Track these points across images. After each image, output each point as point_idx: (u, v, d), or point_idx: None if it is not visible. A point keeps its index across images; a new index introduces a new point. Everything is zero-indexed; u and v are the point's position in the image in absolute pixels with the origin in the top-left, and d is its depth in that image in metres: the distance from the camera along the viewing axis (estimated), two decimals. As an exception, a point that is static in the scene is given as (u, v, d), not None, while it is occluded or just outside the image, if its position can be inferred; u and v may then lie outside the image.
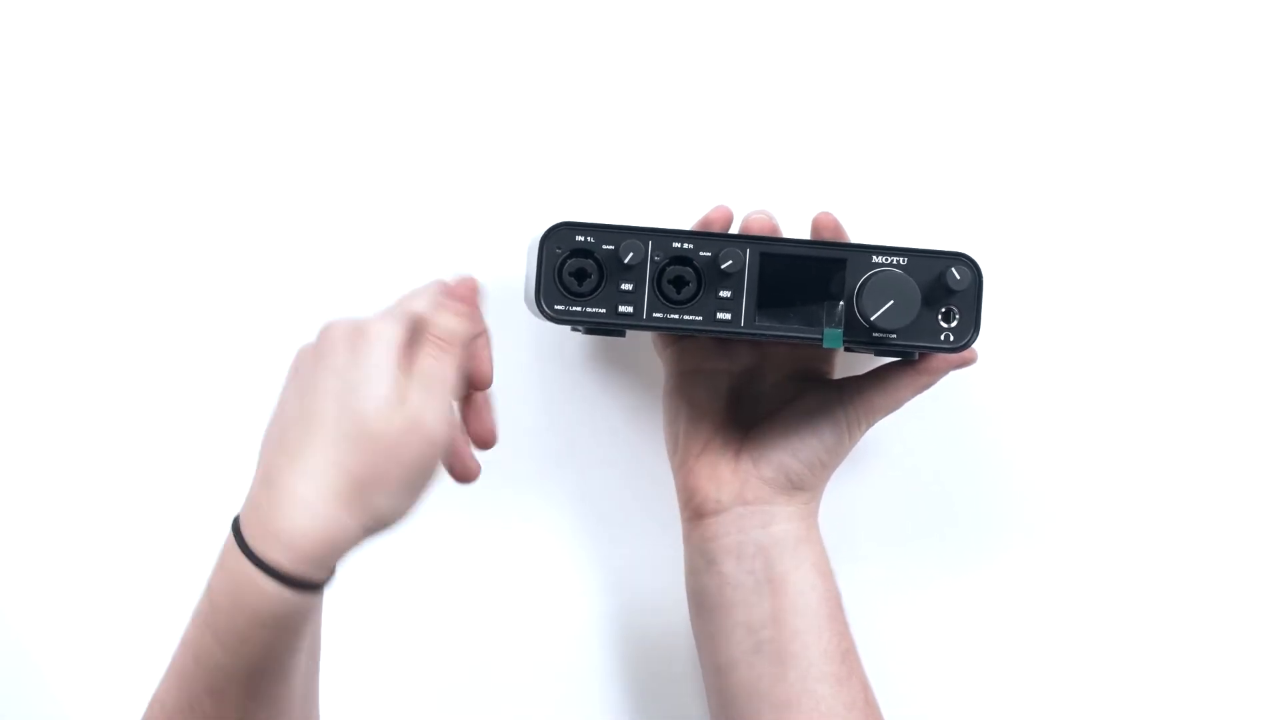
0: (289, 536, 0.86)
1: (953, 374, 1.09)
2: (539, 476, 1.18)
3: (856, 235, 1.06)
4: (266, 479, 0.88)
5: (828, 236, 1.05)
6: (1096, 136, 1.19)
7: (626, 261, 0.99)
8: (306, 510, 0.86)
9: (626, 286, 1.00)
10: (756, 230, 1.05)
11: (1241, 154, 1.19)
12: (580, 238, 1.00)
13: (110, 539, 1.17)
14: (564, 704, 1.19)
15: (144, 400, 1.17)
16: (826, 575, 1.08)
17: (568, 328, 1.11)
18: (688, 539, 1.09)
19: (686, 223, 1.07)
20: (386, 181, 1.17)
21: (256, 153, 1.17)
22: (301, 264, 1.17)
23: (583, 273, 1.00)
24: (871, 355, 1.11)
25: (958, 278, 1.00)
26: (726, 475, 1.08)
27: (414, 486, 0.89)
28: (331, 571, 0.88)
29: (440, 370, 0.90)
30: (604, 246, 1.00)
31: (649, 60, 1.18)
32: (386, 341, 0.89)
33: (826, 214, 1.06)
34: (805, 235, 1.06)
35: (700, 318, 1.01)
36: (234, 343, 1.17)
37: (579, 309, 1.00)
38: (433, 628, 1.12)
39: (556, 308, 1.00)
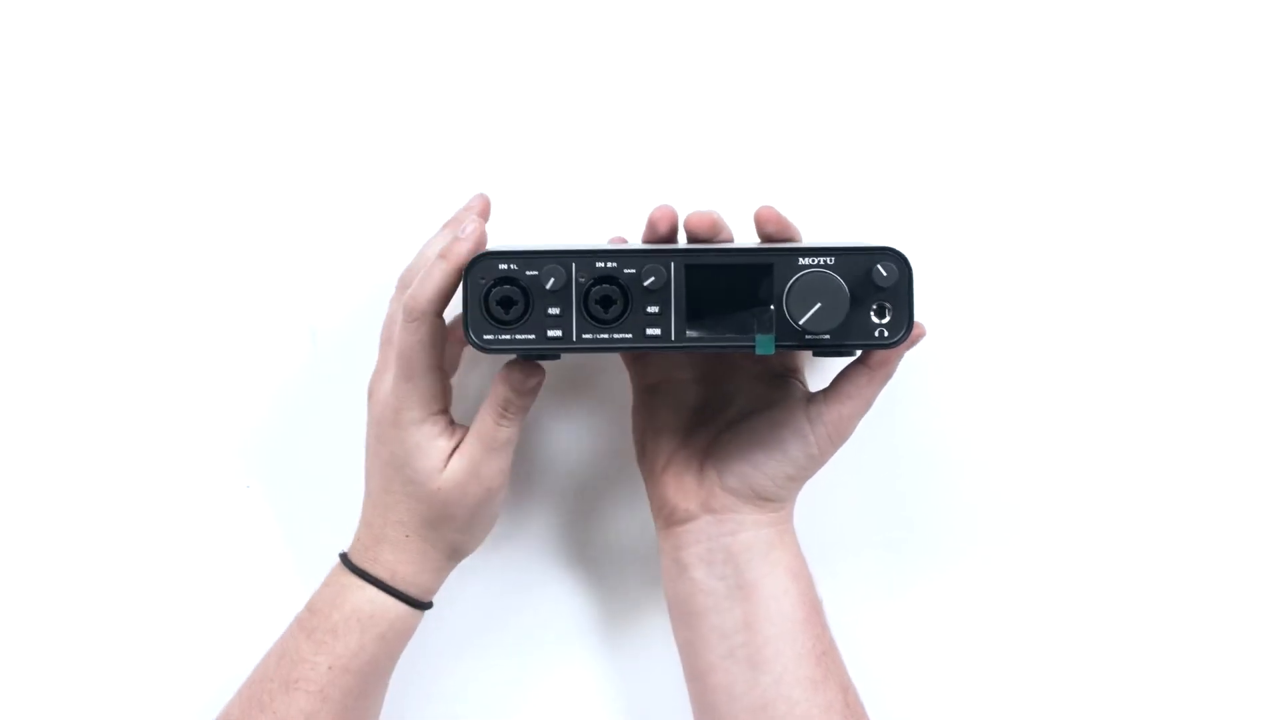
0: (390, 565, 1.04)
1: (924, 375, 1.06)
2: (515, 487, 1.16)
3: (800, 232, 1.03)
4: (368, 523, 1.05)
5: (771, 230, 1.01)
6: (1036, 129, 1.15)
7: (549, 286, 0.96)
8: (398, 546, 1.04)
9: (554, 311, 0.97)
10: (697, 229, 1.01)
11: (1185, 143, 1.15)
12: (503, 266, 0.97)
13: (107, 538, 1.17)
14: (548, 714, 1.18)
15: (130, 400, 1.17)
16: (801, 579, 1.05)
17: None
18: (662, 548, 1.07)
19: (631, 224, 1.05)
20: (363, 183, 1.16)
21: (235, 159, 1.16)
22: (277, 268, 1.16)
23: (508, 300, 0.97)
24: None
25: (884, 274, 0.95)
26: (692, 485, 1.05)
27: (478, 522, 1.05)
28: (427, 598, 1.06)
29: (506, 434, 1.02)
30: (528, 272, 0.97)
31: (592, 66, 1.15)
32: (417, 423, 1.02)
33: (768, 208, 1.01)
34: (749, 231, 1.03)
35: (630, 335, 0.97)
36: (212, 342, 1.17)
37: (508, 337, 0.97)
38: (422, 637, 1.12)
39: (485, 338, 0.97)
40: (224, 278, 1.16)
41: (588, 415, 1.16)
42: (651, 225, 1.02)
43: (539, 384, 1.02)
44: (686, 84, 1.15)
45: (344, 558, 1.06)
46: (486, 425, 1.02)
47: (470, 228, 1.00)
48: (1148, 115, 1.15)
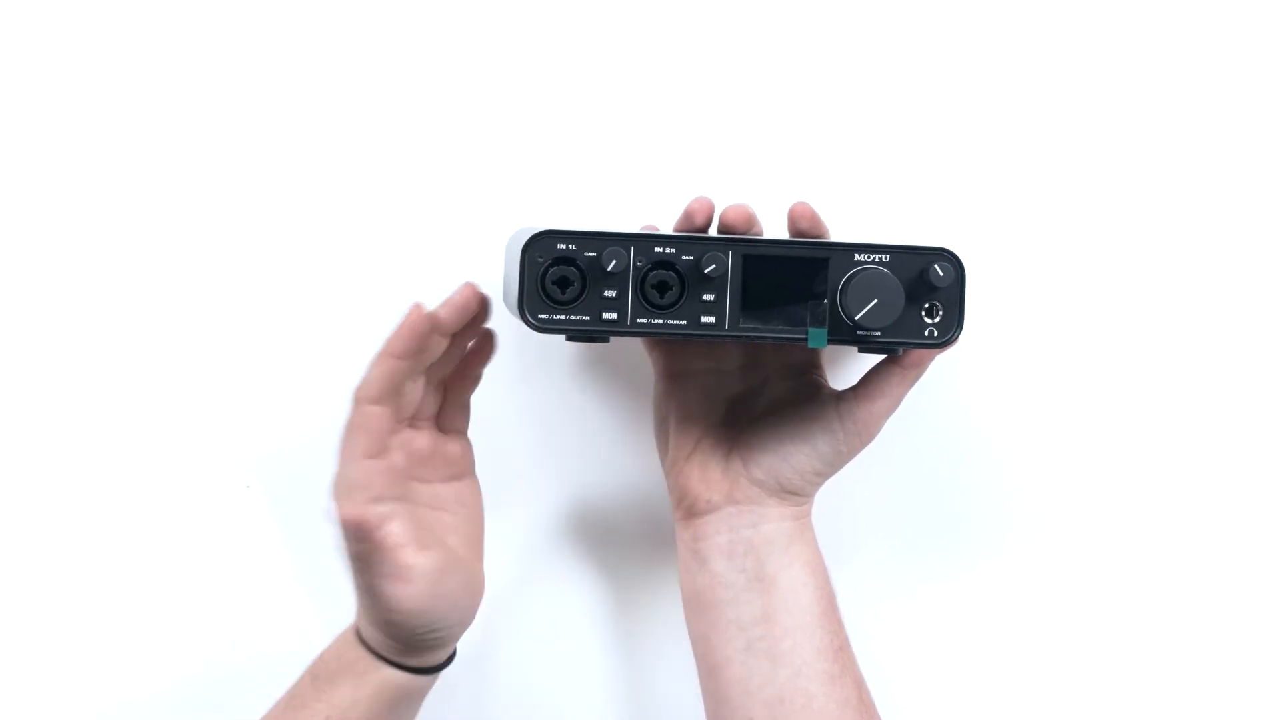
0: (379, 642, 1.02)
1: (950, 374, 1.07)
2: (530, 479, 1.16)
3: (836, 230, 1.03)
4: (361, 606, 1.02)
5: (804, 226, 1.01)
6: (1079, 128, 1.16)
7: (609, 269, 0.96)
8: (380, 642, 1.02)
9: (610, 293, 0.97)
10: (734, 222, 1.01)
11: (1223, 149, 1.16)
12: (562, 245, 0.97)
13: (107, 538, 1.16)
14: (560, 707, 1.17)
15: (130, 400, 1.16)
16: (819, 573, 1.05)
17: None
18: (680, 539, 1.07)
19: (666, 217, 1.05)
20: (366, 184, 1.15)
21: (237, 156, 1.16)
22: (279, 266, 1.16)
23: (565, 281, 0.97)
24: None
25: (940, 274, 0.97)
26: (716, 475, 1.05)
27: (448, 619, 1.03)
28: (434, 664, 1.04)
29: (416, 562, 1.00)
30: (586, 254, 0.97)
31: (627, 58, 1.16)
32: (372, 543, 0.99)
33: (802, 204, 1.02)
34: (782, 227, 1.03)
35: (684, 321, 0.97)
36: (212, 341, 1.16)
37: (563, 317, 0.97)
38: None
39: (540, 317, 0.97)
40: (224, 277, 1.16)
41: (598, 406, 1.16)
42: (688, 216, 1.02)
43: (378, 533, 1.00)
44: (717, 79, 1.16)
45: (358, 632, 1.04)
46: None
47: (405, 313, 1.00)
48: (1177, 123, 1.17)
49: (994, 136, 1.17)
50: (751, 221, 1.03)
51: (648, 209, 1.11)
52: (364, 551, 0.99)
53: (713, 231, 1.03)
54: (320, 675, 1.03)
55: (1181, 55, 1.17)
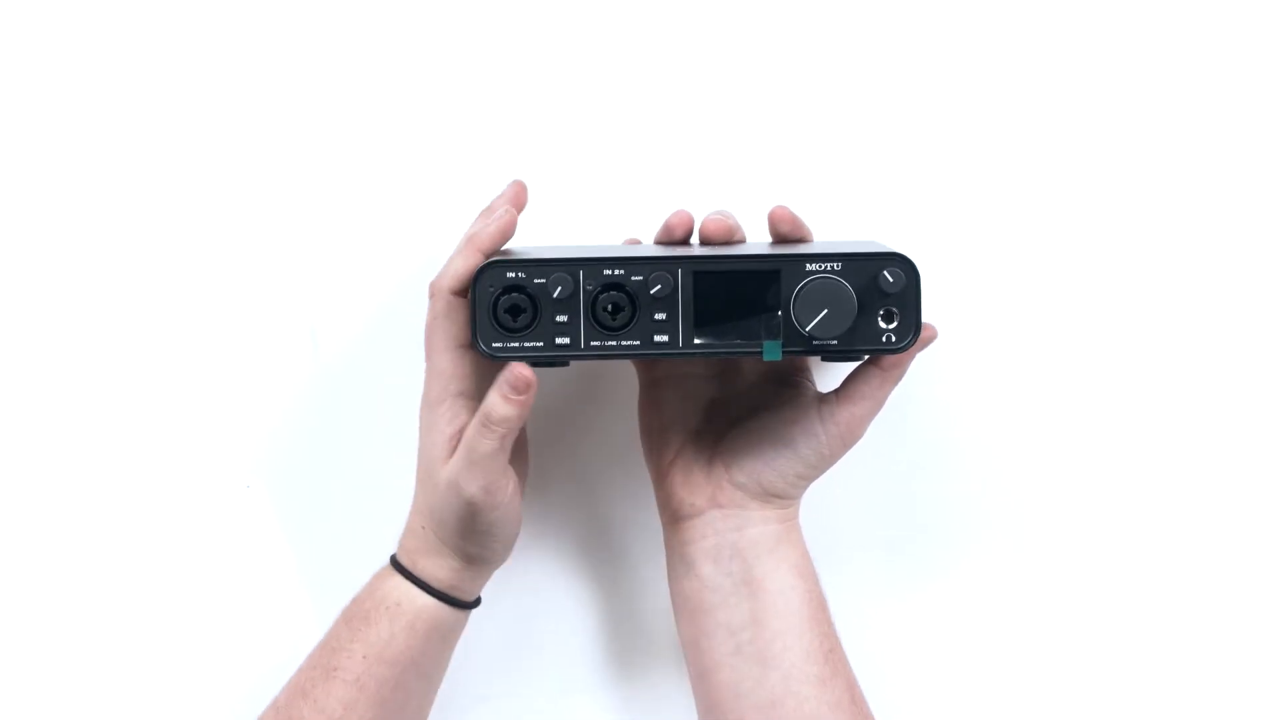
0: (411, 553, 1.04)
1: (933, 376, 1.08)
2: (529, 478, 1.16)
3: (818, 231, 1.03)
4: (411, 509, 1.04)
5: (785, 230, 1.01)
6: (1050, 127, 1.15)
7: (556, 295, 0.96)
8: (416, 536, 1.03)
9: (562, 318, 0.97)
10: (713, 234, 1.01)
11: (1187, 144, 1.15)
12: (511, 274, 0.97)
13: (107, 538, 1.17)
14: (554, 713, 1.18)
15: (131, 400, 1.16)
16: (808, 576, 1.05)
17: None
18: (668, 544, 1.07)
19: (647, 226, 1.05)
20: (370, 185, 1.15)
21: (237, 158, 1.16)
22: (278, 267, 1.16)
23: (517, 308, 0.97)
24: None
25: (891, 280, 0.95)
26: (700, 480, 1.05)
27: (477, 530, 1.01)
28: (456, 595, 1.03)
29: (486, 448, 0.97)
30: (536, 280, 0.97)
31: (604, 66, 1.15)
32: (432, 404, 1.01)
33: (782, 207, 1.02)
34: (764, 231, 1.03)
35: (638, 342, 0.97)
36: (213, 342, 1.16)
37: (517, 345, 0.97)
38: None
39: (494, 345, 0.97)
40: (225, 278, 1.16)
41: (591, 412, 1.16)
42: (668, 230, 1.03)
43: (527, 400, 0.98)
44: (701, 86, 1.15)
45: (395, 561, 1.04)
46: (470, 433, 0.99)
47: (499, 213, 1.00)
48: (1153, 118, 1.15)
49: (972, 138, 1.15)
50: (732, 232, 1.03)
51: (631, 220, 1.11)
52: (511, 417, 0.98)
53: (694, 242, 1.03)
54: (354, 616, 1.04)
55: (1139, 52, 1.15)
